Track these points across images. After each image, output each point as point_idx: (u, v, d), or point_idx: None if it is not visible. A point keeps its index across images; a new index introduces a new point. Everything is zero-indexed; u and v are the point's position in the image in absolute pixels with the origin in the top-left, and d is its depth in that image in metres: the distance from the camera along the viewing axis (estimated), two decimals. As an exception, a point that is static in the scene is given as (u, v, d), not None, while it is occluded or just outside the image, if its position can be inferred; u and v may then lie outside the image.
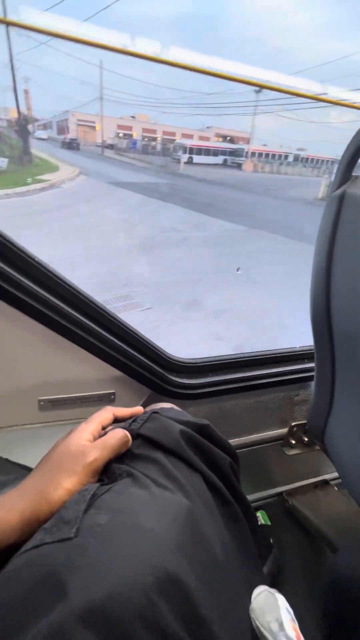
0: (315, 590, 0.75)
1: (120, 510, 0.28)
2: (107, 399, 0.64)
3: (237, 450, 0.81)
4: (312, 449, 0.87)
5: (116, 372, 0.62)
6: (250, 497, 0.91)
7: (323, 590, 0.73)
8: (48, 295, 0.51)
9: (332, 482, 0.95)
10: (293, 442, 0.84)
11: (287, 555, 0.83)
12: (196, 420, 0.41)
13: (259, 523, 0.89)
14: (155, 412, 0.41)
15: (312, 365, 0.78)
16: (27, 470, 0.46)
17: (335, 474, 0.97)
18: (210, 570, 0.29)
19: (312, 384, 0.75)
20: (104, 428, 0.39)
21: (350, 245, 0.48)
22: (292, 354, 0.77)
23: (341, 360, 0.60)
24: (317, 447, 0.86)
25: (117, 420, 0.41)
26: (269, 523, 0.89)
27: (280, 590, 0.74)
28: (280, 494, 0.92)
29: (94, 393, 0.63)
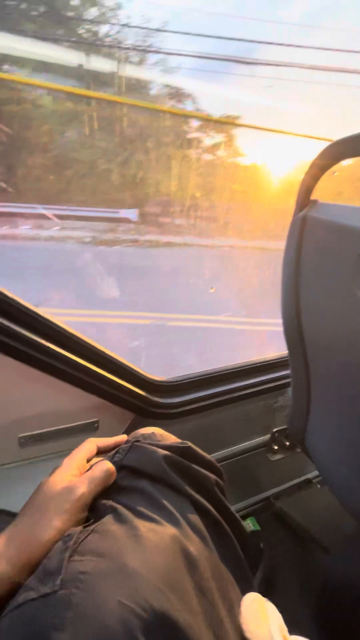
0: (308, 591, 0.78)
1: (104, 553, 0.28)
2: (91, 428, 0.63)
3: (224, 462, 0.84)
4: (294, 452, 0.90)
5: (97, 400, 0.61)
6: (239, 505, 0.92)
7: (316, 592, 0.76)
8: (16, 327, 0.49)
9: (314, 481, 0.99)
10: (276, 447, 0.87)
11: (279, 559, 0.85)
12: (178, 444, 0.41)
13: (250, 529, 0.91)
14: (136, 440, 0.41)
15: (287, 372, 0.82)
16: (11, 516, 0.45)
17: (317, 472, 1.01)
18: (201, 596, 0.30)
19: (289, 390, 0.79)
20: (88, 461, 0.38)
21: (314, 263, 0.51)
22: (268, 363, 0.80)
23: (314, 366, 0.63)
24: (299, 450, 0.89)
25: (101, 452, 0.41)
26: (259, 528, 0.91)
27: (274, 595, 0.75)
28: (268, 498, 0.94)
29: (77, 424, 0.61)
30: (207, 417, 0.76)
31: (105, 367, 0.60)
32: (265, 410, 0.83)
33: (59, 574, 0.26)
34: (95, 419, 0.63)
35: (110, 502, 0.34)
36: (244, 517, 0.93)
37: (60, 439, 0.61)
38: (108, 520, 0.31)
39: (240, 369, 0.77)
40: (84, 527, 0.32)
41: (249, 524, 0.92)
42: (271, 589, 0.79)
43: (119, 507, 0.33)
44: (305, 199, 0.49)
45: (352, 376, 0.53)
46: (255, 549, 0.88)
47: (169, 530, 0.31)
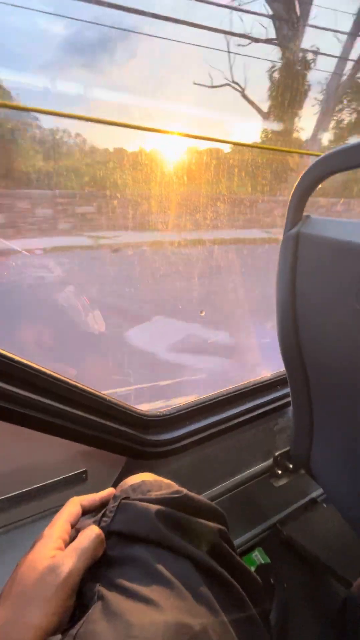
0: (325, 624, 0.72)
1: None
2: (79, 480, 0.56)
3: (227, 494, 0.78)
4: (298, 474, 0.85)
5: (84, 447, 0.54)
6: (245, 536, 0.86)
7: (331, 623, 0.70)
8: None
9: (319, 500, 0.95)
10: (279, 472, 0.82)
11: (292, 591, 0.79)
12: (172, 494, 0.36)
13: (259, 562, 0.85)
14: (125, 497, 0.35)
15: (285, 392, 0.78)
16: None
17: (321, 490, 0.97)
18: None
19: (290, 410, 0.74)
20: (73, 526, 0.33)
21: (311, 281, 0.48)
22: (265, 383, 0.76)
23: (315, 386, 0.59)
24: (303, 472, 0.85)
25: (87, 511, 0.35)
26: (268, 560, 0.85)
27: (291, 631, 0.68)
28: (274, 525, 0.88)
29: (62, 477, 0.54)
30: (205, 450, 0.70)
31: (90, 408, 0.53)
32: (266, 434, 0.79)
33: None
34: (83, 469, 0.56)
35: (97, 587, 0.28)
36: (251, 549, 0.87)
37: (44, 497, 0.53)
38: (94, 615, 0.26)
39: (236, 393, 0.73)
40: (64, 631, 0.26)
41: (257, 556, 0.86)
42: (287, 628, 0.73)
43: (107, 593, 0.27)
44: (296, 215, 0.46)
45: (356, 392, 0.49)
46: (265, 585, 0.82)
47: (168, 614, 0.27)
